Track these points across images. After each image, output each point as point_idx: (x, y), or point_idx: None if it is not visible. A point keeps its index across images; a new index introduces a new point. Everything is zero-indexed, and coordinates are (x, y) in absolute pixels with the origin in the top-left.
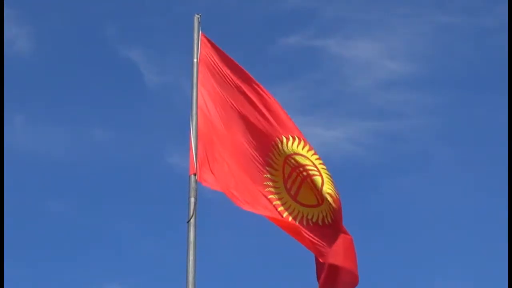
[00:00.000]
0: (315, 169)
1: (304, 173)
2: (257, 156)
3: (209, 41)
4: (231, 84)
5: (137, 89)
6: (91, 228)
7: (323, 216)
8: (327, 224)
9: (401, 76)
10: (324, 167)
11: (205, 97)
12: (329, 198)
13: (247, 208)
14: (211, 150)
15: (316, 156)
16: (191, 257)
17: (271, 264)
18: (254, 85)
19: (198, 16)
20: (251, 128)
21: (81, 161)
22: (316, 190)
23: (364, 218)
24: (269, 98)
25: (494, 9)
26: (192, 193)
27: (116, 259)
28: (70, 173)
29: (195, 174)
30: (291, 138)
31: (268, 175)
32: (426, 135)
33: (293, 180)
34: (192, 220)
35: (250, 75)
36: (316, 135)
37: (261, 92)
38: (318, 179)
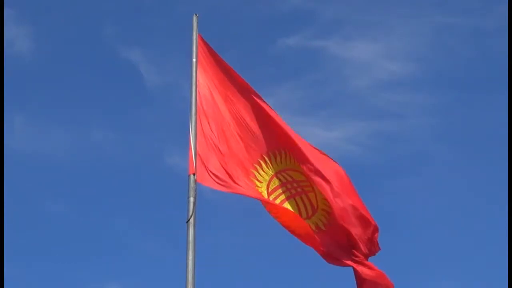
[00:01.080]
0: (308, 184)
1: (299, 189)
2: (245, 162)
3: (206, 45)
4: (224, 91)
5: (137, 89)
6: (91, 228)
7: None
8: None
9: (401, 77)
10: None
11: (205, 97)
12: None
13: (265, 199)
14: (212, 150)
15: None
16: (190, 257)
17: (270, 264)
18: (248, 94)
19: (197, 16)
20: (240, 136)
21: (81, 162)
22: (304, 206)
23: None
24: (260, 106)
25: (494, 9)
26: (192, 192)
27: (116, 259)
28: (70, 174)
29: (194, 174)
30: (283, 152)
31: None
32: (426, 136)
33: (276, 195)
34: (191, 220)
35: (246, 82)
36: (316, 136)
37: (255, 101)
38: (311, 195)
